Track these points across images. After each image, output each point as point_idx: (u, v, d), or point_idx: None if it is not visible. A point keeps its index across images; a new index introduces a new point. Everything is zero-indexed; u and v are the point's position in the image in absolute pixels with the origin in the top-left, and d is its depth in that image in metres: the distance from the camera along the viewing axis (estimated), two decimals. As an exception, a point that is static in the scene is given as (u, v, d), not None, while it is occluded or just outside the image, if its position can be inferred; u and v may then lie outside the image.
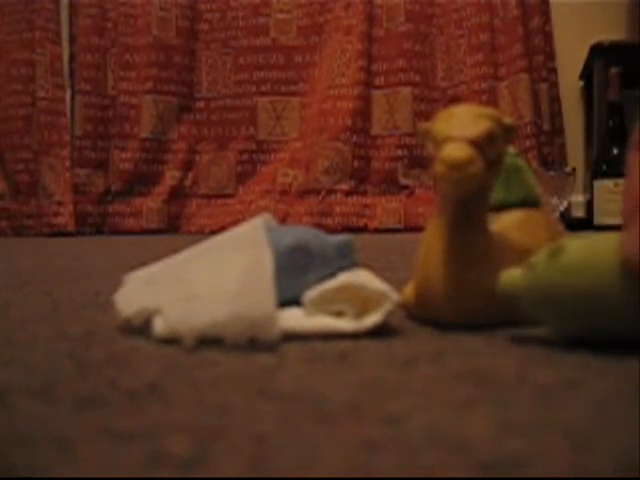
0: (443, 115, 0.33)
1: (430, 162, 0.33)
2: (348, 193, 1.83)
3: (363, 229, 1.80)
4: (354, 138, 1.84)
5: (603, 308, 0.27)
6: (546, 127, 1.80)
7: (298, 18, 1.94)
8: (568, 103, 1.87)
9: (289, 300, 0.34)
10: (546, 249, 0.29)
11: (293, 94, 1.94)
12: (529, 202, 0.41)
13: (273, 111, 1.94)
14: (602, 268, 0.27)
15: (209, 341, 0.29)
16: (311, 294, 0.32)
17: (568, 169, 1.50)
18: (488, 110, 0.33)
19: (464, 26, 1.85)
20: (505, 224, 0.38)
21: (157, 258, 0.39)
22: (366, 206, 1.82)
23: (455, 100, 1.82)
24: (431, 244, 0.33)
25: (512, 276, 0.30)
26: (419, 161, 1.84)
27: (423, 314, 0.35)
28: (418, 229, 1.76)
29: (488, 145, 0.32)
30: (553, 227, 0.40)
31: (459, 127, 0.32)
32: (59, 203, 1.85)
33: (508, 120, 0.33)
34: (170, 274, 0.34)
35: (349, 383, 0.23)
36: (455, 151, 0.30)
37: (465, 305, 0.33)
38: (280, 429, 0.19)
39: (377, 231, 1.77)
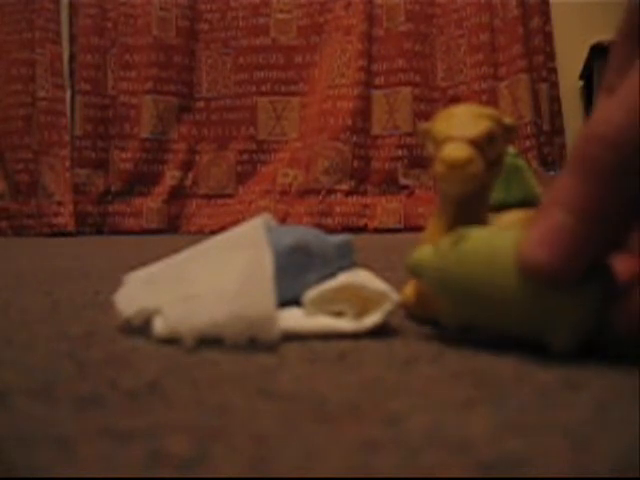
0: (443, 115, 0.33)
1: (430, 162, 0.33)
2: (348, 193, 1.83)
3: (363, 229, 1.80)
4: (354, 138, 1.84)
5: (491, 303, 0.27)
6: (546, 127, 1.80)
7: (298, 18, 1.94)
8: (568, 103, 1.87)
9: (289, 300, 0.34)
10: (454, 233, 0.29)
11: (293, 94, 1.94)
12: (529, 202, 0.41)
13: (273, 111, 1.94)
14: (496, 263, 0.27)
15: (209, 341, 0.29)
16: (311, 294, 0.32)
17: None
18: (488, 110, 0.33)
19: (464, 26, 1.85)
20: (505, 224, 0.38)
21: (157, 258, 0.39)
22: (366, 206, 1.82)
23: (455, 100, 1.82)
24: (431, 244, 0.34)
25: (422, 253, 0.30)
26: (419, 161, 1.84)
27: (423, 314, 0.35)
28: (418, 229, 1.76)
29: (488, 145, 0.32)
30: None
31: (459, 127, 0.32)
32: (59, 203, 1.85)
33: (508, 120, 0.33)
34: (170, 274, 0.34)
35: (349, 383, 0.23)
36: (455, 151, 0.30)
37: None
38: (280, 429, 0.19)
39: (377, 231, 1.77)
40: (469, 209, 0.33)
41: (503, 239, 0.28)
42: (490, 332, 0.29)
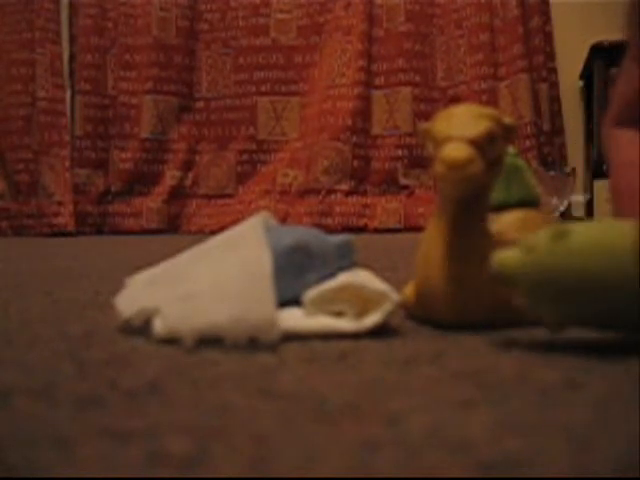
0: (443, 115, 0.33)
1: (430, 162, 0.33)
2: (348, 193, 1.83)
3: (363, 229, 1.80)
4: (354, 138, 1.84)
5: (614, 292, 0.26)
6: (546, 127, 1.80)
7: (298, 18, 1.94)
8: (568, 103, 1.87)
9: (289, 300, 0.34)
10: (546, 232, 0.28)
11: (293, 94, 1.94)
12: (529, 202, 0.41)
13: (273, 111, 1.94)
14: (615, 251, 0.26)
15: (209, 341, 0.29)
16: (311, 294, 0.32)
17: (568, 169, 1.50)
18: (488, 110, 0.33)
19: (464, 26, 1.85)
20: (505, 224, 0.38)
21: (157, 258, 0.39)
22: (366, 206, 1.82)
23: (455, 100, 1.82)
24: (431, 244, 0.33)
25: (507, 257, 0.29)
26: (419, 161, 1.84)
27: (423, 314, 0.35)
28: (418, 229, 1.76)
29: (488, 145, 0.32)
30: None
31: (459, 127, 0.32)
32: (59, 203, 1.85)
33: (508, 120, 0.33)
34: (170, 274, 0.34)
35: (349, 383, 0.23)
36: (455, 151, 0.30)
37: (465, 305, 0.33)
38: (280, 429, 0.19)
39: (377, 231, 1.77)
40: (470, 209, 0.33)
41: (611, 227, 0.27)
42: (591, 329, 0.28)
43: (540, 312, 0.29)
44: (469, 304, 0.33)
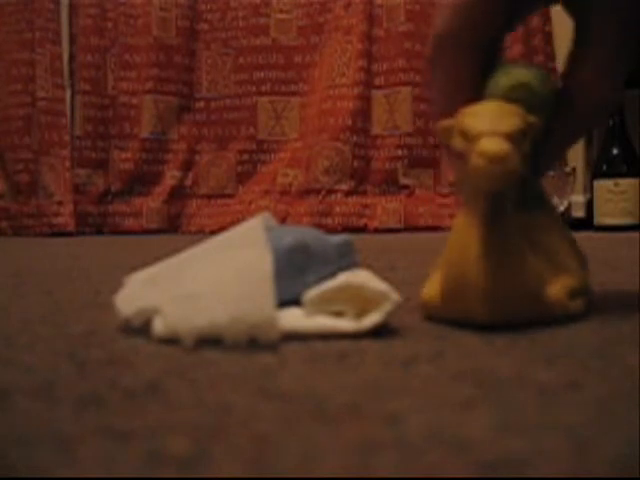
0: (470, 111, 0.33)
1: (461, 157, 0.32)
2: (348, 193, 1.83)
3: (363, 229, 1.80)
4: (354, 138, 1.84)
5: None
6: (546, 127, 1.80)
7: (298, 18, 1.94)
8: (568, 103, 1.87)
9: (289, 300, 0.34)
10: None
11: (293, 94, 1.94)
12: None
13: (273, 111, 1.94)
14: None
15: (209, 341, 0.29)
16: (311, 294, 0.32)
17: (568, 169, 1.50)
18: (514, 107, 0.33)
19: (464, 26, 1.85)
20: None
21: (157, 258, 0.39)
22: (366, 206, 1.82)
23: (455, 100, 1.82)
24: (465, 241, 0.32)
25: None
26: (419, 161, 1.84)
27: (454, 314, 0.34)
28: (418, 229, 1.76)
29: (521, 141, 0.31)
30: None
31: (493, 122, 0.31)
32: (59, 203, 1.85)
33: (532, 118, 0.33)
34: (170, 274, 0.34)
35: (349, 383, 0.23)
36: (495, 145, 0.30)
37: (502, 302, 0.32)
38: (280, 429, 0.19)
39: (377, 231, 1.77)
40: (501, 204, 0.32)
41: None
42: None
43: None
44: (506, 301, 0.32)
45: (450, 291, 0.34)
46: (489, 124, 0.31)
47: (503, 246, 0.32)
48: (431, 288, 0.36)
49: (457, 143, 0.33)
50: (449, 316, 0.34)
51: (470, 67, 0.36)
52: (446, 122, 0.34)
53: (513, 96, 0.34)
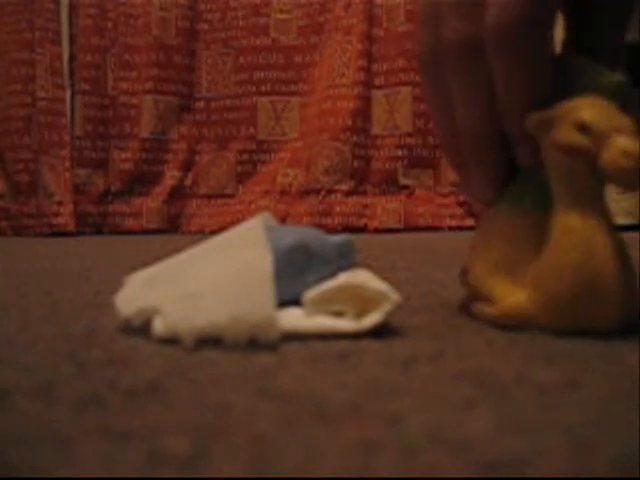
0: (583, 105, 0.31)
1: (566, 152, 0.31)
2: (348, 193, 1.83)
3: (363, 229, 1.80)
4: (354, 138, 1.84)
5: None
6: (546, 127, 1.80)
7: (298, 18, 1.94)
8: (568, 103, 1.87)
9: (289, 300, 0.34)
10: None
11: (293, 94, 1.94)
12: None
13: (273, 111, 1.94)
14: None
15: (209, 341, 0.29)
16: (311, 294, 0.32)
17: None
18: (613, 105, 0.32)
19: (464, 26, 1.84)
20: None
21: (157, 258, 0.39)
22: (366, 206, 1.82)
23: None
24: (590, 243, 0.31)
25: None
26: (419, 161, 1.84)
27: (560, 322, 0.31)
28: (418, 229, 1.76)
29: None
30: None
31: (615, 119, 0.30)
32: (59, 203, 1.85)
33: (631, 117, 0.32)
34: (170, 274, 0.34)
35: (349, 383, 0.23)
36: (632, 142, 0.29)
37: (633, 304, 0.31)
38: (280, 429, 0.19)
39: (377, 231, 1.77)
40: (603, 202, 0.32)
41: None
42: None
43: None
44: (635, 303, 0.31)
45: (577, 296, 0.31)
46: (617, 121, 0.30)
47: (622, 245, 0.31)
48: (518, 296, 0.33)
49: (569, 136, 0.30)
50: (554, 324, 0.31)
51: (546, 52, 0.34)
52: (544, 113, 0.32)
53: (618, 95, 0.32)
